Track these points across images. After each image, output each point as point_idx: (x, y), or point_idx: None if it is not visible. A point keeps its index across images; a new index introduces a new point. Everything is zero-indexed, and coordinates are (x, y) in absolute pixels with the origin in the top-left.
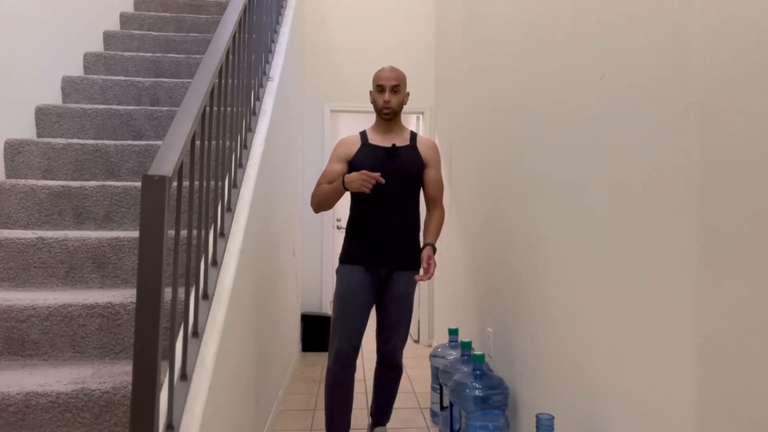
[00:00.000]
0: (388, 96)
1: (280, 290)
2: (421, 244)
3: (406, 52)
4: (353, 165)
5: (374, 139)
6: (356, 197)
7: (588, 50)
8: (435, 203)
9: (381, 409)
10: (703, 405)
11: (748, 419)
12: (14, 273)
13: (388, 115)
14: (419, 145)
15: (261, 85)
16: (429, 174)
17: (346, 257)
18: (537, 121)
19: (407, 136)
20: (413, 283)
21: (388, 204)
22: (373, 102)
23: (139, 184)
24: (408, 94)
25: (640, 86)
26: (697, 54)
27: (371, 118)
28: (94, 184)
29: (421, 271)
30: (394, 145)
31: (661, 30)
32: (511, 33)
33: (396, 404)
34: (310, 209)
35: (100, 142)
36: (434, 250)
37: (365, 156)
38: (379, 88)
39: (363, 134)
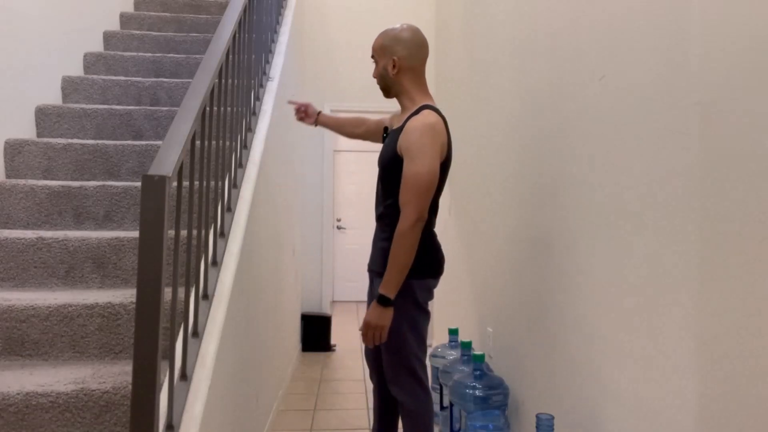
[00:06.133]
0: (374, 70)
1: (280, 290)
2: None
3: None
4: None
5: None
6: None
7: (588, 50)
8: (401, 208)
9: None
10: (703, 405)
11: (748, 419)
12: (14, 273)
13: (382, 91)
14: (406, 126)
15: (261, 85)
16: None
17: None
18: (536, 121)
19: (406, 116)
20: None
21: (375, 201)
22: None
23: (139, 184)
24: (393, 60)
25: (640, 86)
26: (697, 54)
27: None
28: (94, 184)
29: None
30: (386, 129)
31: (661, 30)
32: (512, 33)
33: None
34: (310, 209)
35: (100, 142)
36: (385, 302)
37: None
38: None
39: None
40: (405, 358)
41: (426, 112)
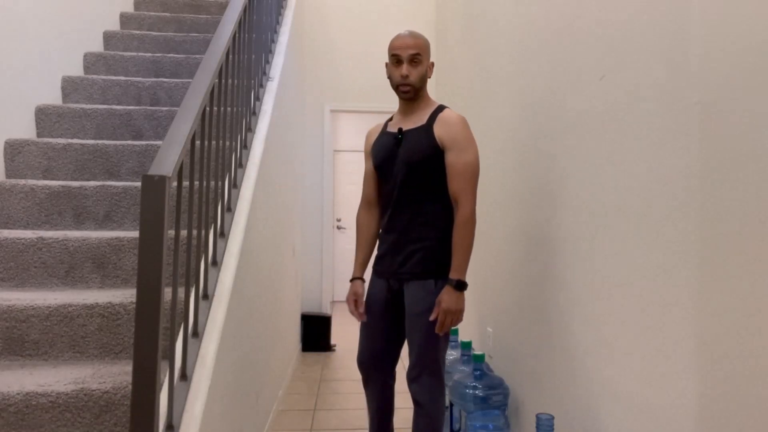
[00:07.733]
0: (407, 69)
1: (280, 290)
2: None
3: None
4: (372, 157)
5: (393, 124)
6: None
7: (588, 50)
8: (455, 202)
9: None
10: (703, 405)
11: (748, 419)
12: (14, 273)
13: (408, 93)
14: (436, 124)
15: (261, 85)
16: (447, 159)
17: (373, 266)
18: (536, 121)
19: (426, 116)
20: (425, 297)
21: (393, 201)
22: (390, 77)
23: (139, 184)
24: (432, 64)
25: (640, 86)
26: (697, 54)
27: (372, 118)
28: (94, 184)
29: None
30: (400, 129)
31: (661, 30)
32: (511, 33)
33: (396, 404)
34: (310, 209)
35: (100, 142)
36: (459, 286)
37: (377, 146)
38: (394, 59)
39: (389, 120)
40: (434, 359)
41: (449, 109)
